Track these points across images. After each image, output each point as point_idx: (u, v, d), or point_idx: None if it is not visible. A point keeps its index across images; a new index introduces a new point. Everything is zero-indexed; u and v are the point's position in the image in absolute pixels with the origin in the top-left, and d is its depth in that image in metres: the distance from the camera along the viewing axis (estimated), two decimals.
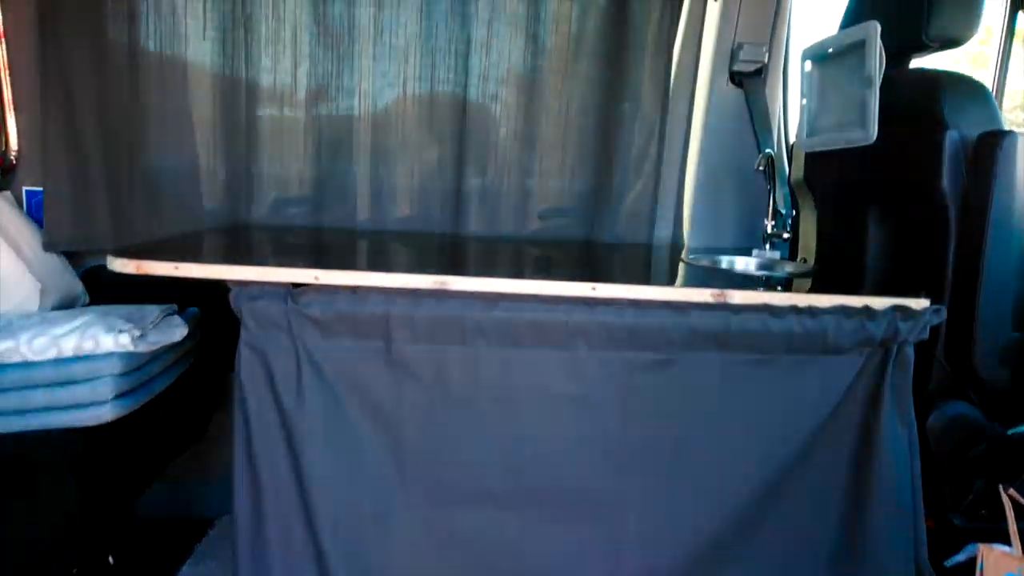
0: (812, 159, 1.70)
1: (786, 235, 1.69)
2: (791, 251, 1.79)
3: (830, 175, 1.64)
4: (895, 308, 1.15)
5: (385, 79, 1.79)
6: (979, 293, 1.29)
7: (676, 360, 1.15)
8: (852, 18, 1.62)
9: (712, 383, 1.17)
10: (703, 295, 1.15)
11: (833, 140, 1.54)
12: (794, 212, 1.82)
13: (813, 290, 1.35)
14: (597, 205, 1.91)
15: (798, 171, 1.79)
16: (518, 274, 1.34)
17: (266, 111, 1.78)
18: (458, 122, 1.83)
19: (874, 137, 1.39)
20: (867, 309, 1.15)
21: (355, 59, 1.76)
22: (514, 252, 1.74)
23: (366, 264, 1.45)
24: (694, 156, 1.93)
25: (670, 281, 1.47)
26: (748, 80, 1.88)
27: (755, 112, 1.89)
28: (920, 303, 1.17)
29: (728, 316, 1.13)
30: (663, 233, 2.01)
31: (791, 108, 2.05)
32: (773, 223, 1.72)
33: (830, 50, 1.54)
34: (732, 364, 1.15)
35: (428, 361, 1.13)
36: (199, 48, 1.74)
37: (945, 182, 1.33)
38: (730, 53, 1.87)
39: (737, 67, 1.86)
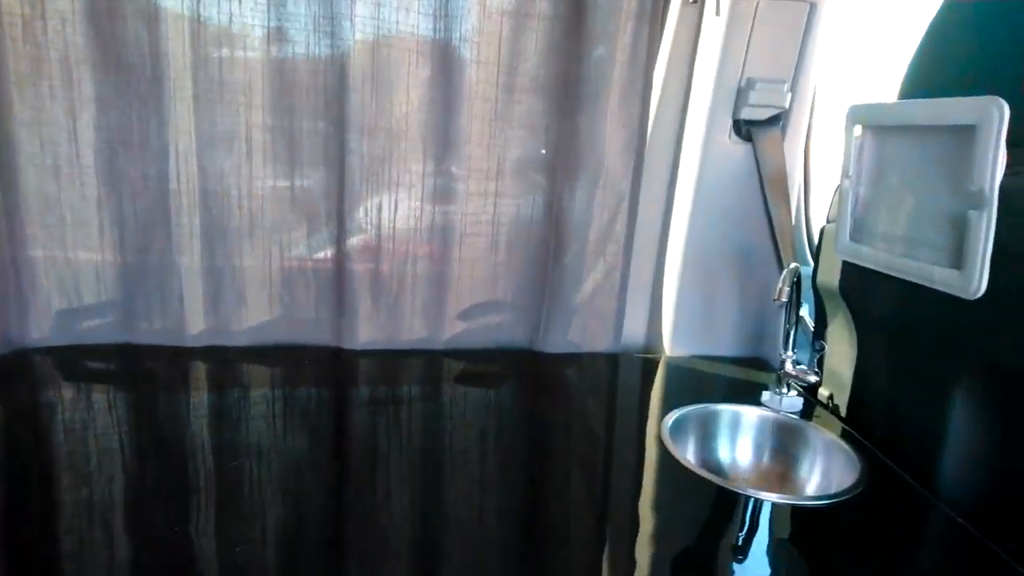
0: (857, 270, 1.15)
1: (812, 378, 1.15)
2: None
3: (886, 296, 1.09)
4: None
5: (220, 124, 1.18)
6: None
7: None
8: (934, 65, 1.05)
9: None
10: None
11: (898, 266, 0.99)
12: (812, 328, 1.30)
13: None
14: (543, 301, 1.36)
15: (829, 275, 1.25)
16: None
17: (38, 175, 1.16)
18: (336, 171, 1.24)
19: (980, 291, 0.84)
20: None
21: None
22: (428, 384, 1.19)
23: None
24: (679, 236, 1.37)
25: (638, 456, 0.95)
26: (760, 131, 1.31)
27: (767, 176, 1.32)
28: None
29: None
30: (634, 338, 1.47)
31: (815, 172, 1.50)
32: (792, 355, 1.18)
33: (899, 123, 0.98)
34: None
35: None
36: None
37: None
38: (736, 93, 1.29)
39: (745, 113, 1.29)
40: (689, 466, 0.96)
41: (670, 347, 1.42)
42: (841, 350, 1.26)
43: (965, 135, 0.84)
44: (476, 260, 1.32)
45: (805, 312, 1.41)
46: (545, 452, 1.02)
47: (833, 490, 0.99)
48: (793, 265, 1.07)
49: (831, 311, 1.30)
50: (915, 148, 0.97)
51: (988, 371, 0.90)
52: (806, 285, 1.46)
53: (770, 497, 0.90)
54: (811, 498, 0.98)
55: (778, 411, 1.16)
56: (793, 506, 0.90)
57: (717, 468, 1.12)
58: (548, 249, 1.34)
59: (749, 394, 1.24)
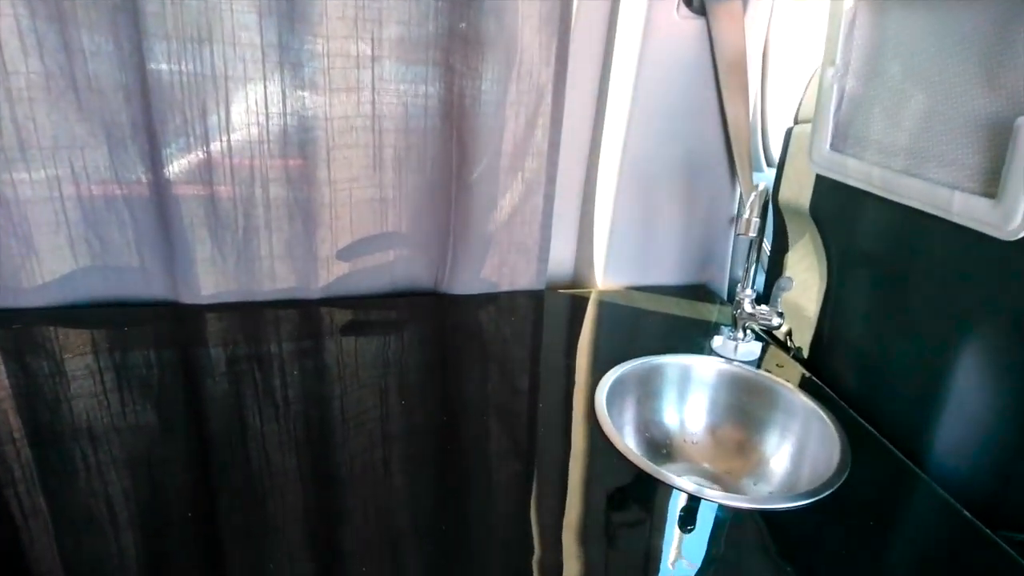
0: (837, 188, 0.92)
1: (777, 320, 0.93)
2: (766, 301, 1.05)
3: (875, 222, 0.87)
4: None
5: None
6: None
7: None
8: None
9: None
10: None
11: (898, 187, 0.75)
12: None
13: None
14: (448, 232, 1.07)
15: (795, 190, 1.00)
16: None
17: None
18: (133, 56, 0.88)
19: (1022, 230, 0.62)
20: None
21: None
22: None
23: None
24: (614, 142, 1.09)
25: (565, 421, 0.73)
26: (716, 6, 1.01)
27: (723, 61, 1.04)
28: None
29: None
30: (560, 270, 1.21)
31: (775, 54, 1.23)
32: (752, 294, 0.95)
33: None
34: None
35: None
36: None
37: None
38: None
39: None
40: (628, 454, 0.74)
41: (603, 278, 1.18)
42: (805, 281, 1.05)
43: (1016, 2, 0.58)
44: (354, 180, 1.01)
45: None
46: (453, 421, 0.78)
47: (808, 472, 0.81)
48: (762, 186, 0.82)
49: (794, 233, 1.08)
50: (932, 24, 0.71)
51: (1014, 328, 0.70)
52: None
53: (733, 502, 0.69)
54: (788, 495, 0.78)
55: (733, 360, 0.96)
56: (767, 512, 0.70)
57: (663, 438, 0.92)
58: (450, 164, 1.03)
59: (696, 335, 1.03)
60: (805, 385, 0.90)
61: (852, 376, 0.91)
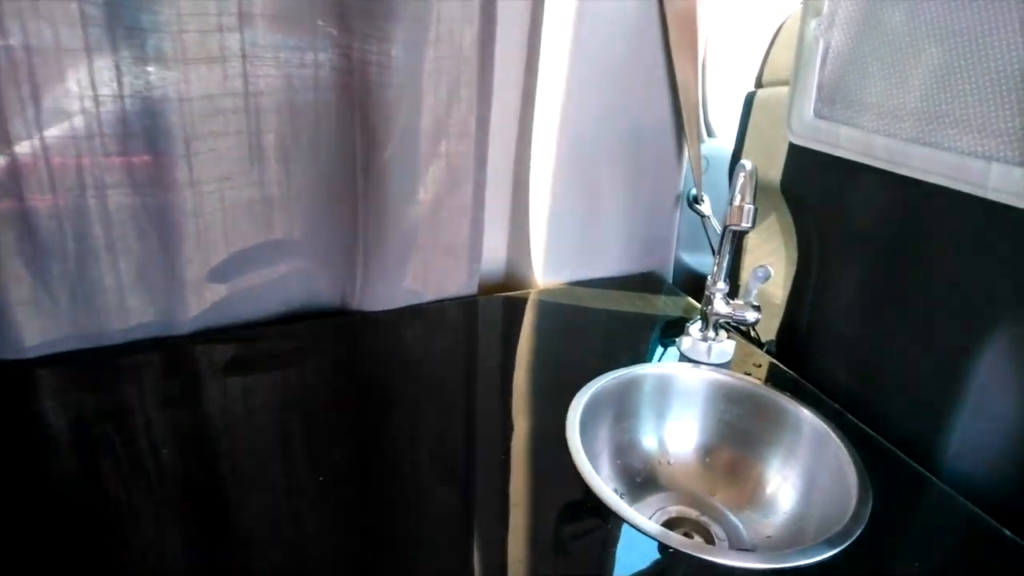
0: (818, 160, 0.79)
1: (753, 315, 0.81)
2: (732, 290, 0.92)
3: (868, 199, 0.75)
4: None
5: None
6: None
7: None
8: None
9: None
10: None
11: (908, 158, 0.63)
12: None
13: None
14: (356, 235, 0.86)
15: (762, 163, 0.87)
16: None
17: None
18: None
19: None
20: None
21: None
22: None
23: None
24: (550, 117, 0.91)
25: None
26: None
27: (673, 18, 0.89)
28: None
29: None
30: (492, 270, 1.03)
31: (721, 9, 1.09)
32: (725, 287, 0.82)
33: None
34: None
35: None
36: None
37: None
38: None
39: None
40: (599, 490, 0.59)
41: (542, 276, 1.01)
42: (771, 267, 0.94)
43: None
44: (225, 179, 0.77)
45: (708, 208, 1.06)
46: (378, 466, 0.59)
47: (819, 501, 0.69)
48: (751, 165, 0.68)
49: (761, 212, 0.96)
50: None
51: None
52: (716, 171, 1.11)
53: (719, 557, 0.55)
54: (796, 548, 0.64)
55: (706, 364, 0.83)
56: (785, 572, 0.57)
57: (643, 464, 0.78)
58: (353, 150, 0.82)
59: (658, 335, 0.90)
60: (791, 387, 0.79)
61: (844, 373, 0.80)
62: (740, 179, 0.67)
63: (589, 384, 0.75)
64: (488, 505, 0.60)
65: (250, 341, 0.83)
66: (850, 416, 0.74)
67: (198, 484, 0.59)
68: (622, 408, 0.79)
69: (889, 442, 0.70)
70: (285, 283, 0.86)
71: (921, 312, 0.70)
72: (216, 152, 0.76)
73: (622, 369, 0.78)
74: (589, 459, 0.65)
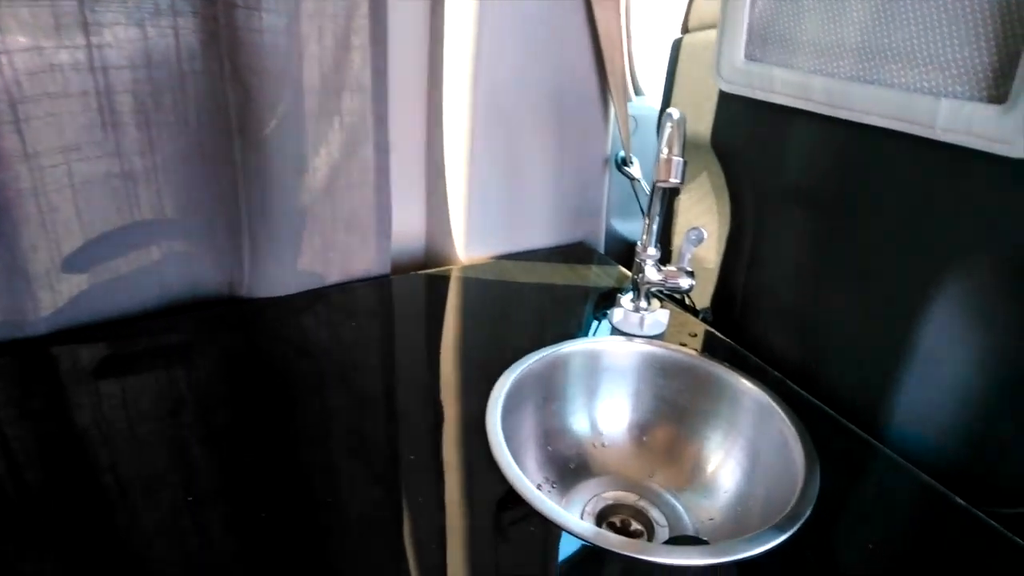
0: (752, 108, 0.72)
1: (687, 282, 0.74)
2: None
3: (807, 148, 0.69)
4: None
5: None
6: None
7: None
8: None
9: None
10: None
11: (850, 99, 0.57)
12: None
13: None
14: (240, 212, 0.75)
15: (690, 116, 0.80)
16: None
17: None
18: None
19: None
20: None
21: None
22: None
23: None
24: (461, 72, 0.82)
25: None
26: None
27: None
28: None
29: None
30: (410, 242, 0.94)
31: None
32: (656, 253, 0.75)
33: None
34: None
35: None
36: None
37: None
38: None
39: None
40: (524, 490, 0.52)
41: (465, 251, 0.93)
42: (704, 227, 0.88)
43: None
44: (71, 150, 0.64)
45: (638, 171, 1.00)
46: (284, 469, 0.50)
47: (764, 480, 0.63)
48: (678, 114, 0.61)
49: (692, 173, 0.90)
50: None
51: (1005, 266, 0.55)
52: (645, 132, 1.04)
53: (655, 556, 0.49)
54: (742, 536, 0.57)
55: (640, 337, 0.76)
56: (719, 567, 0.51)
57: (574, 449, 0.71)
58: (227, 113, 0.70)
59: (591, 309, 0.82)
60: (729, 357, 0.73)
61: (784, 339, 0.75)
62: (667, 129, 0.59)
63: (512, 367, 0.67)
64: (406, 507, 0.51)
65: (124, 339, 0.71)
66: (792, 385, 0.69)
67: (74, 507, 0.49)
68: (549, 391, 0.72)
69: (834, 411, 0.66)
70: (159, 269, 0.74)
71: (865, 271, 0.65)
72: (56, 117, 0.63)
73: (546, 349, 0.71)
74: (513, 449, 0.57)
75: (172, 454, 0.55)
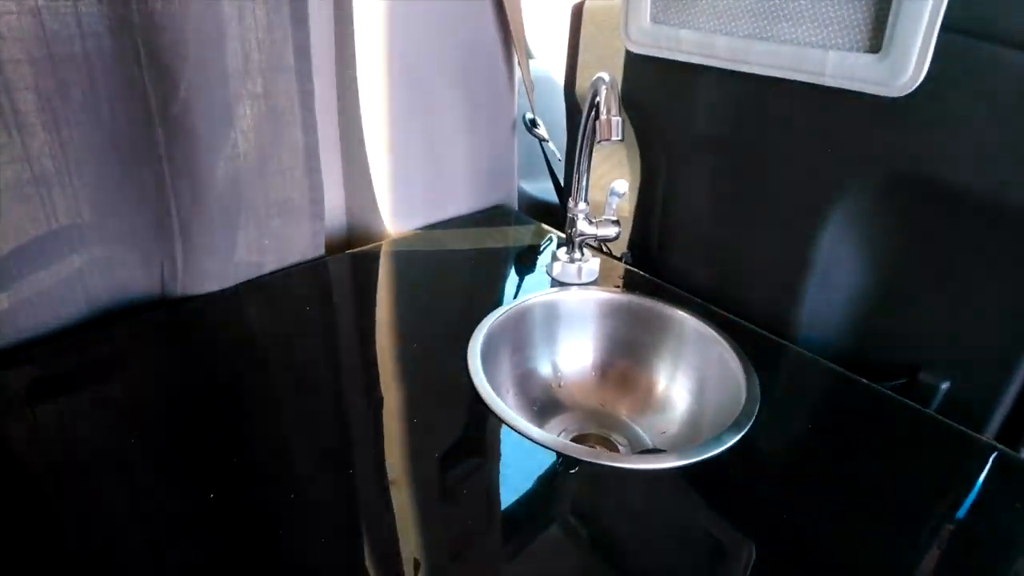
0: (658, 68, 0.79)
1: (614, 230, 0.82)
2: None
3: (708, 101, 0.77)
4: None
5: None
6: None
7: None
8: None
9: None
10: None
11: (749, 55, 0.66)
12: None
13: None
14: (164, 203, 0.70)
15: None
16: None
17: None
18: None
19: (917, 80, 0.58)
20: None
21: None
22: None
23: None
24: (373, 36, 0.81)
25: None
26: None
27: None
28: None
29: None
30: (331, 221, 0.93)
31: None
32: (586, 206, 0.82)
33: None
34: None
35: None
36: None
37: None
38: None
39: None
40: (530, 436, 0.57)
41: (392, 224, 0.93)
42: (616, 179, 0.95)
43: None
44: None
45: (545, 132, 1.05)
46: (237, 474, 0.51)
47: (715, 399, 0.72)
48: (609, 76, 0.66)
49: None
50: None
51: (883, 188, 0.67)
52: (540, 94, 1.09)
53: (665, 463, 0.58)
54: (693, 444, 0.67)
55: (577, 285, 0.83)
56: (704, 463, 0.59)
57: (540, 391, 0.77)
58: (146, 101, 0.66)
59: (528, 267, 0.88)
60: (657, 291, 0.82)
61: (703, 270, 0.85)
62: (603, 91, 0.65)
63: (483, 322, 0.71)
64: (375, 481, 0.54)
65: (52, 357, 0.66)
66: (715, 308, 0.79)
67: (17, 523, 0.47)
68: (517, 341, 0.77)
69: (753, 324, 0.77)
70: (83, 278, 0.69)
71: (765, 202, 0.76)
72: None
73: (508, 304, 0.76)
74: (494, 389, 0.62)
75: (120, 467, 0.53)
